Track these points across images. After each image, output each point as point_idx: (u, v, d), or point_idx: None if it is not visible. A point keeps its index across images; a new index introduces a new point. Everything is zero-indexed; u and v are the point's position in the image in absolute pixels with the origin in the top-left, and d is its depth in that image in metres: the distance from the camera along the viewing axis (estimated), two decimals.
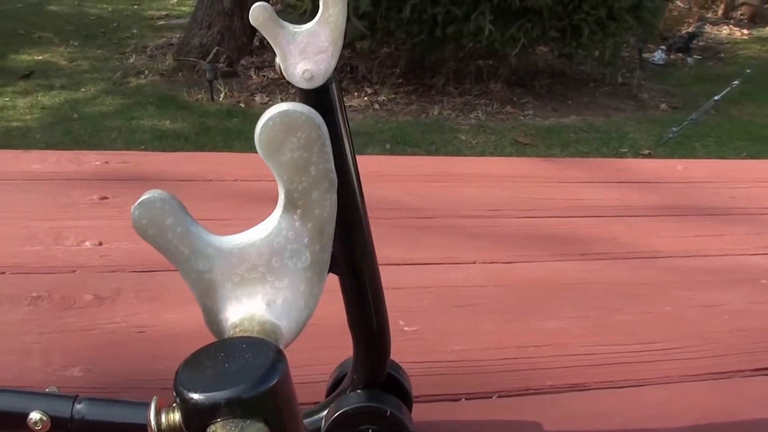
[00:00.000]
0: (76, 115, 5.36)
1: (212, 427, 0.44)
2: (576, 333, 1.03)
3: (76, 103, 5.68)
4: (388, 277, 1.13)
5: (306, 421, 0.74)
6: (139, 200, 0.50)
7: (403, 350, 0.94)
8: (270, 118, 0.50)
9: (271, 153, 0.50)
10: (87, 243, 1.15)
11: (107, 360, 0.89)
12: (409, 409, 0.76)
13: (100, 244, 1.15)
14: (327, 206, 0.52)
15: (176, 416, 0.47)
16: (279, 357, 0.46)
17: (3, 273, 1.06)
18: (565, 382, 0.92)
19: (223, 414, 0.43)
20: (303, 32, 0.55)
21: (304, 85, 0.57)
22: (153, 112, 5.51)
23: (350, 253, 0.66)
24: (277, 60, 0.56)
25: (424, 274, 1.16)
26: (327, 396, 0.78)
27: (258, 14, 0.54)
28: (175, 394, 0.44)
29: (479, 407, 0.88)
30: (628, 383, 0.93)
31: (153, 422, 0.48)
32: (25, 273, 1.06)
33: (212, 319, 0.54)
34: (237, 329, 0.52)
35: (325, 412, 0.72)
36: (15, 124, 5.07)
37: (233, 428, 0.44)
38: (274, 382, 0.44)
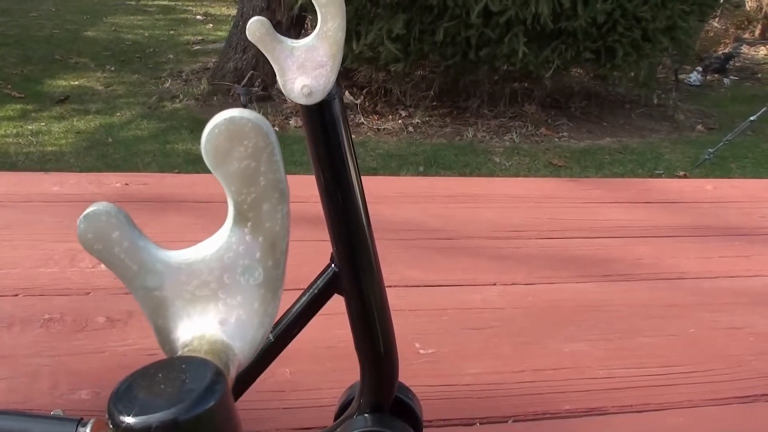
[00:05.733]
0: (110, 140, 5.39)
1: None
2: (596, 356, 1.01)
3: (111, 127, 5.70)
4: (406, 299, 1.13)
5: None
6: (84, 213, 0.49)
7: (418, 373, 0.93)
8: (216, 126, 0.48)
9: (217, 163, 0.48)
10: (102, 265, 1.14)
11: (116, 383, 0.88)
12: None
13: None
14: (278, 219, 0.50)
15: None
16: (218, 378, 0.44)
17: (16, 295, 1.05)
18: (582, 406, 0.90)
19: None
20: (301, 47, 0.54)
21: (303, 101, 0.55)
22: (187, 136, 5.53)
23: (354, 273, 0.64)
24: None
25: (442, 296, 1.14)
26: (335, 420, 0.77)
27: (255, 29, 0.53)
28: (107, 417, 0.43)
29: None
30: (648, 407, 0.91)
31: None
32: (39, 295, 1.06)
33: (164, 339, 0.52)
34: (186, 349, 0.51)
35: None
36: (50, 148, 5.10)
37: None
38: (211, 404, 0.42)
